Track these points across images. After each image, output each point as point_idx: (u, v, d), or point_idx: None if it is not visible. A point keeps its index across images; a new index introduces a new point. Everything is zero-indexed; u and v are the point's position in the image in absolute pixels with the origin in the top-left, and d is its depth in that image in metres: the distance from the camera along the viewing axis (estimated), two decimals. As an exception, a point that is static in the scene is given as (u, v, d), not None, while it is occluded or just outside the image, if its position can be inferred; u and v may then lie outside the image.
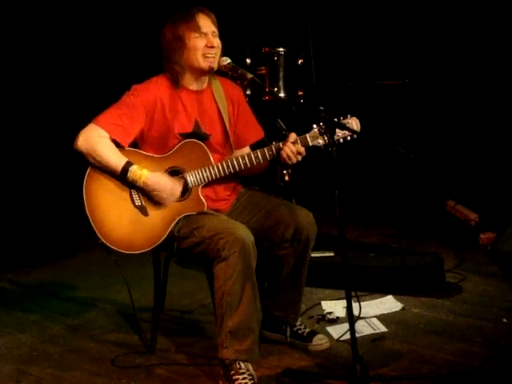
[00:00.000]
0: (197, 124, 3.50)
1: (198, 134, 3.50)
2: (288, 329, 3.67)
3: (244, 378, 3.19)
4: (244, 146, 3.69)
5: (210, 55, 3.41)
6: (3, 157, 5.66)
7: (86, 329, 4.04)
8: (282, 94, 4.81)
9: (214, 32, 3.44)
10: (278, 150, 3.41)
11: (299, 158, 3.42)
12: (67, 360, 3.65)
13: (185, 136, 3.47)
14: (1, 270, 5.07)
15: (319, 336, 3.65)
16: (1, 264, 5.14)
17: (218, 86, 3.59)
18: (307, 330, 3.68)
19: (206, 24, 3.42)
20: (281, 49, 4.83)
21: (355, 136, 3.39)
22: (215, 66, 3.46)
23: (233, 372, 3.22)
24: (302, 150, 3.41)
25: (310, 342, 3.62)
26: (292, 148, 3.39)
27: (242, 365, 3.22)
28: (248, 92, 4.72)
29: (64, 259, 5.36)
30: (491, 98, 5.96)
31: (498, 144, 5.92)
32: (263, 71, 4.82)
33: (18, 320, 4.20)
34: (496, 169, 5.89)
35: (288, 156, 3.39)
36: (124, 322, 4.11)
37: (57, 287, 4.77)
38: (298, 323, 3.70)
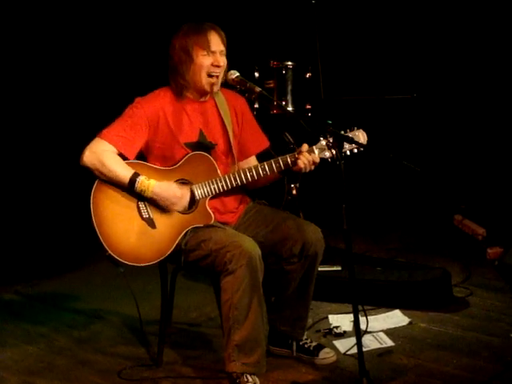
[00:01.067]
0: (201, 133, 3.51)
1: (202, 144, 3.51)
2: (294, 343, 3.67)
3: (251, 391, 3.20)
4: (249, 156, 3.69)
5: (214, 73, 3.42)
6: (11, 170, 5.68)
7: (92, 341, 4.03)
8: (289, 108, 4.82)
9: (222, 51, 3.45)
10: (294, 160, 3.40)
11: (313, 167, 3.43)
12: (74, 372, 3.65)
13: (190, 145, 3.48)
14: (8, 281, 5.07)
15: (326, 350, 3.64)
16: (8, 276, 5.14)
17: (221, 97, 3.60)
18: (314, 344, 3.66)
19: (216, 42, 3.43)
20: (289, 62, 4.85)
21: (362, 148, 3.40)
22: (216, 88, 3.48)
23: (240, 385, 3.23)
24: (318, 159, 3.42)
25: (317, 355, 3.61)
26: (308, 157, 3.38)
27: (250, 378, 3.23)
28: (256, 105, 4.73)
29: (71, 271, 5.35)
30: (499, 112, 5.96)
31: (506, 158, 5.92)
32: (271, 85, 4.84)
33: (24, 332, 4.19)
34: (504, 183, 5.88)
35: (304, 165, 3.39)
36: (131, 334, 4.10)
37: (64, 299, 4.77)
38: (304, 337, 3.69)
